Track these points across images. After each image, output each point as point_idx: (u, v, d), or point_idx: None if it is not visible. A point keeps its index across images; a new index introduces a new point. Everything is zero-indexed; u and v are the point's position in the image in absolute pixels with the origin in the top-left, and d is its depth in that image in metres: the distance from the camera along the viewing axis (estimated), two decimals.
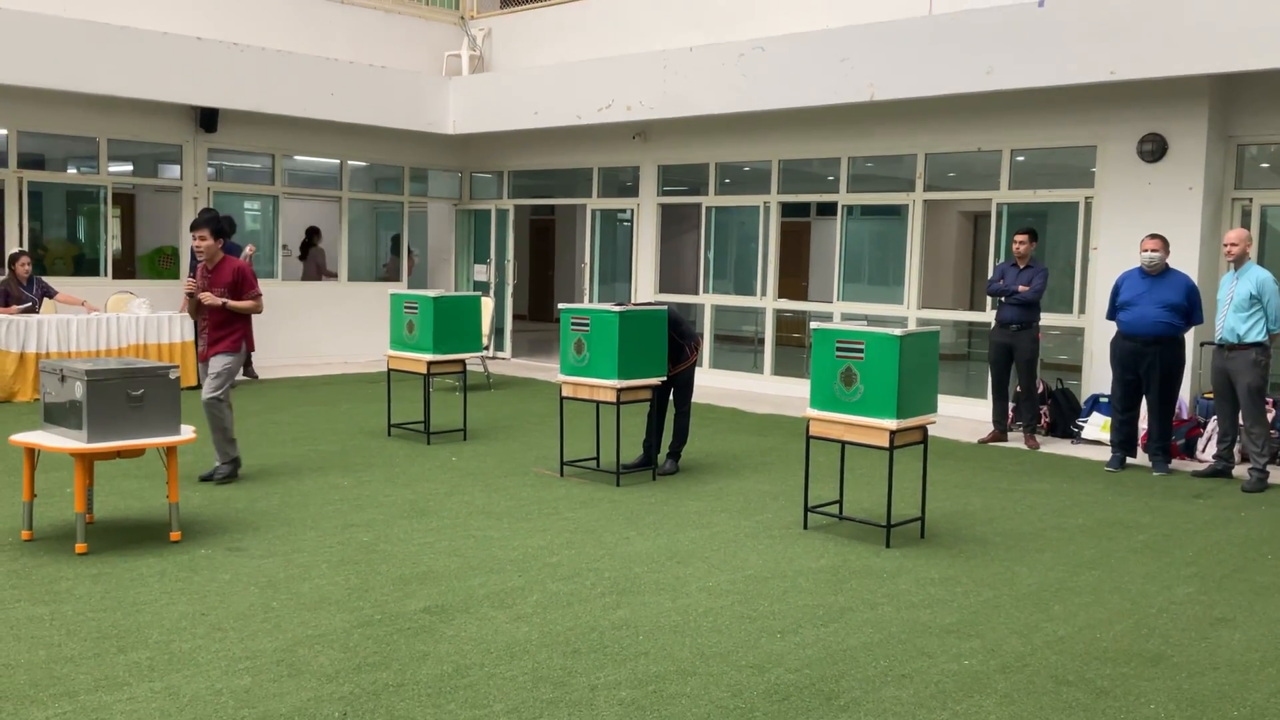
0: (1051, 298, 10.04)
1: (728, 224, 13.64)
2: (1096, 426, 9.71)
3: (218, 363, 7.35)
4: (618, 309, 7.50)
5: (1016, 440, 9.82)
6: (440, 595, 5.16)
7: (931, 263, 12.71)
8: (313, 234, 15.27)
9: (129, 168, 14.03)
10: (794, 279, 15.66)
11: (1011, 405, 9.93)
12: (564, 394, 7.96)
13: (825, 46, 10.97)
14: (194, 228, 7.44)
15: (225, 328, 7.40)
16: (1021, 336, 9.56)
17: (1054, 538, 6.55)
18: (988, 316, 10.96)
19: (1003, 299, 9.64)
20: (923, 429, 6.40)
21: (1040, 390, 9.99)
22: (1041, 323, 9.68)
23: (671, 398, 8.16)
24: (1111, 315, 8.81)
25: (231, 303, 7.37)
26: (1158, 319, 8.44)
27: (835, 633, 4.80)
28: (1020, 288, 9.46)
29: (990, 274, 10.33)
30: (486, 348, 12.83)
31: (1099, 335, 9.98)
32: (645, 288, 14.04)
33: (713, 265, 13.63)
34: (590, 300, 14.93)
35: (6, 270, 10.97)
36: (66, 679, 4.09)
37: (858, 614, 5.05)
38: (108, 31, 11.66)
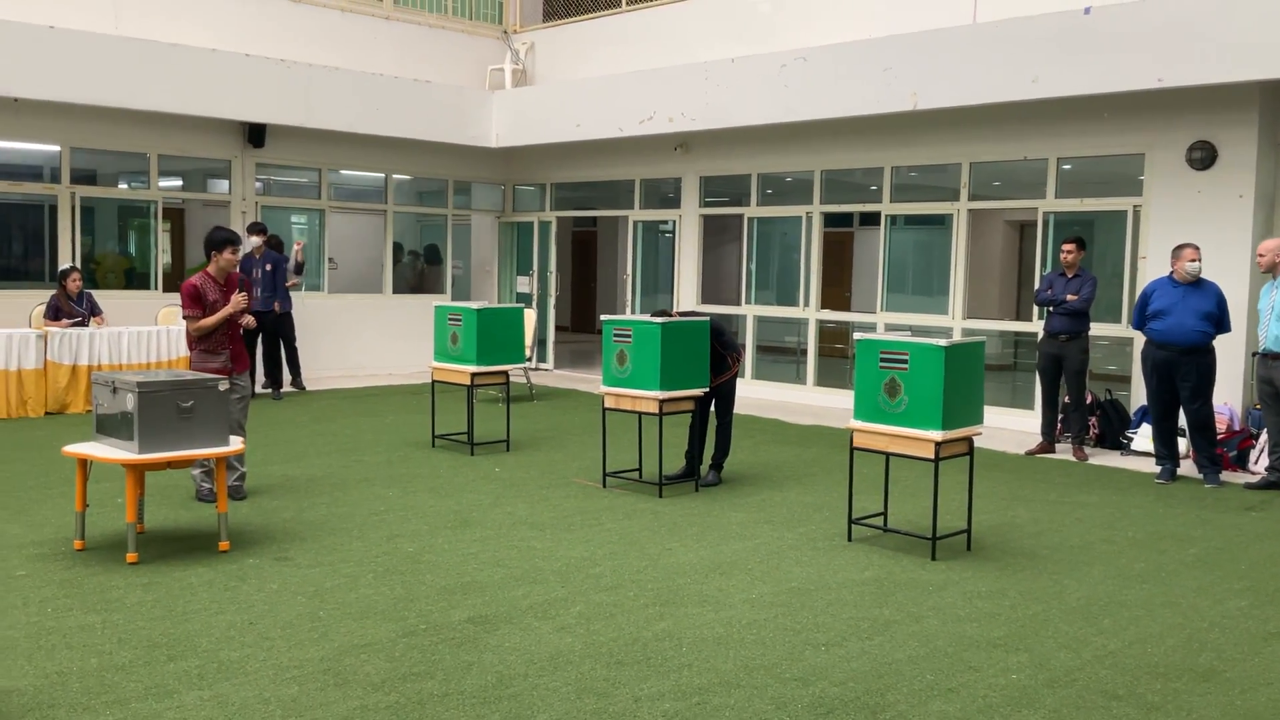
0: (1099, 307, 9.92)
1: (770, 234, 13.61)
2: (1146, 438, 9.56)
3: (248, 382, 7.36)
4: (660, 320, 7.50)
5: (1064, 452, 9.70)
6: (484, 606, 5.18)
7: (977, 272, 12.62)
8: (434, 253, 15.72)
9: (179, 183, 14.26)
10: (837, 289, 15.60)
11: (1059, 416, 9.81)
12: (606, 405, 7.97)
13: (868, 56, 10.92)
14: (236, 243, 7.24)
15: (241, 341, 7.35)
16: (1071, 346, 9.45)
17: (1103, 550, 6.46)
18: (1034, 326, 10.85)
19: (1051, 309, 9.54)
20: (969, 440, 6.34)
21: (1088, 401, 9.86)
22: (1091, 332, 9.57)
23: (713, 409, 8.14)
24: (1139, 324, 8.70)
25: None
26: (1194, 328, 8.32)
27: (880, 646, 4.76)
28: (1069, 297, 9.36)
29: (1037, 283, 10.22)
30: (529, 359, 12.89)
31: None
32: (687, 299, 14.03)
33: (755, 276, 13.60)
34: (632, 312, 14.95)
35: (58, 285, 11.17)
36: (118, 687, 4.15)
37: (903, 627, 5.01)
38: (158, 49, 11.86)
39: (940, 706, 4.13)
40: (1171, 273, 8.55)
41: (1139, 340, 10.09)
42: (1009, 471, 8.85)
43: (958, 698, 4.22)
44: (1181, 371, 8.40)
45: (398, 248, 15.49)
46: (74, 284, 11.04)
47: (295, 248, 12.53)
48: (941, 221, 11.87)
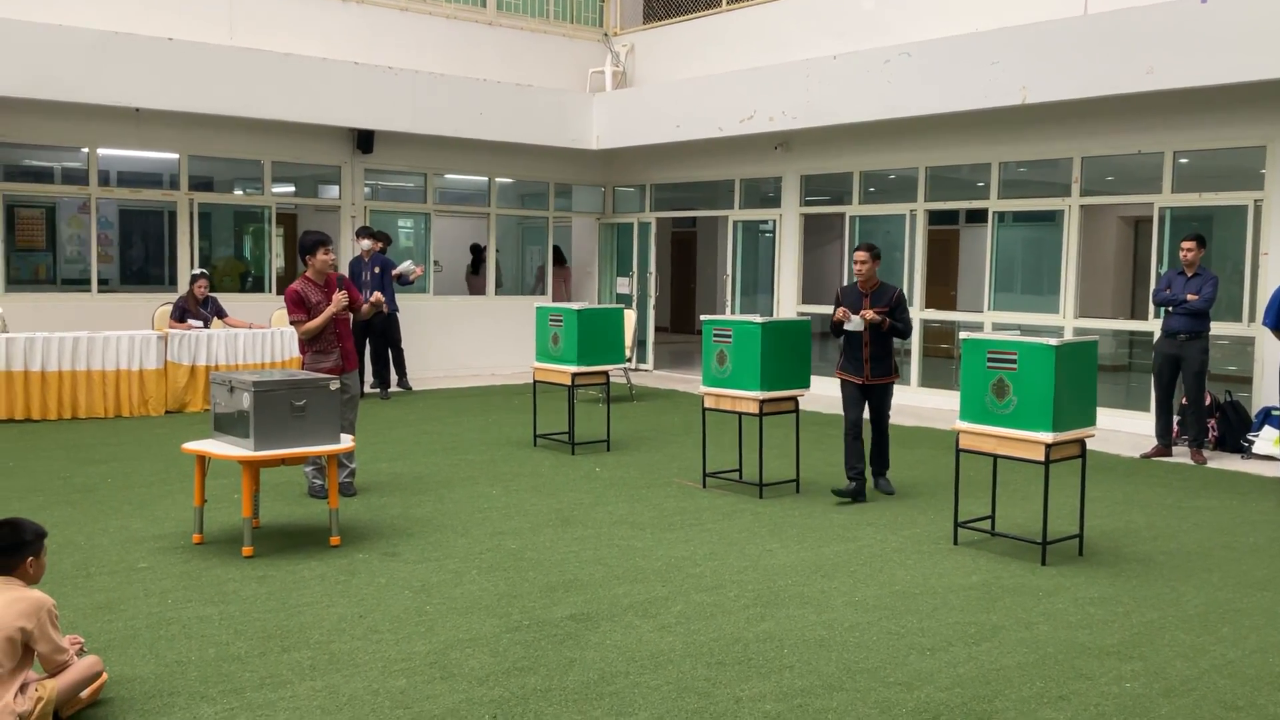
0: (1219, 306, 9.56)
1: (873, 233, 13.43)
2: (1269, 441, 9.19)
3: (357, 381, 7.50)
4: (762, 320, 7.44)
5: (1182, 455, 9.38)
6: (586, 603, 5.22)
7: (1089, 270, 12.26)
8: (558, 253, 16.12)
9: (291, 189, 14.68)
10: (942, 288, 15.32)
11: (1177, 418, 9.49)
12: (706, 405, 7.96)
13: (975, 50, 10.71)
14: (327, 243, 7.29)
15: (350, 340, 7.43)
16: (1190, 347, 9.13)
17: (1222, 557, 6.22)
18: (1150, 326, 10.51)
19: (1170, 308, 9.24)
20: (1081, 443, 6.18)
21: (1208, 403, 9.52)
22: (1211, 332, 9.24)
23: (867, 417, 7.70)
24: (1276, 323, 8.33)
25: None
26: None
27: (988, 652, 4.66)
28: (1189, 296, 9.05)
29: (1153, 281, 9.90)
30: (629, 360, 12.95)
31: (1271, 345, 9.45)
32: (788, 299, 13.94)
33: None
34: (732, 312, 14.90)
35: (188, 288, 11.62)
36: (234, 676, 4.29)
37: (1012, 633, 4.90)
38: (271, 59, 12.24)
39: (1050, 714, 4.03)
40: None
41: (1261, 340, 9.72)
42: (1123, 475, 8.58)
43: (1069, 706, 4.11)
44: None
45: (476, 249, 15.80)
46: (200, 290, 11.48)
47: (416, 271, 12.68)
48: (1052, 218, 11.57)
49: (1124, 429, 10.43)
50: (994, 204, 11.90)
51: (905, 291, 12.61)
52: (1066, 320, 11.22)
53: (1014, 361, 5.96)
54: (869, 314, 7.34)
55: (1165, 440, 9.43)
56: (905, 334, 7.52)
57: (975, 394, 6.16)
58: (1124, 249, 16.15)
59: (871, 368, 7.50)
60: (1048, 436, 5.86)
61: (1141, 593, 5.53)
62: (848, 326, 7.41)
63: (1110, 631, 4.94)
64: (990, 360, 6.07)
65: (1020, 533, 6.50)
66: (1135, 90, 9.71)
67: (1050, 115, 11.05)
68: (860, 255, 7.50)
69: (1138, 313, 13.54)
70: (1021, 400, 5.94)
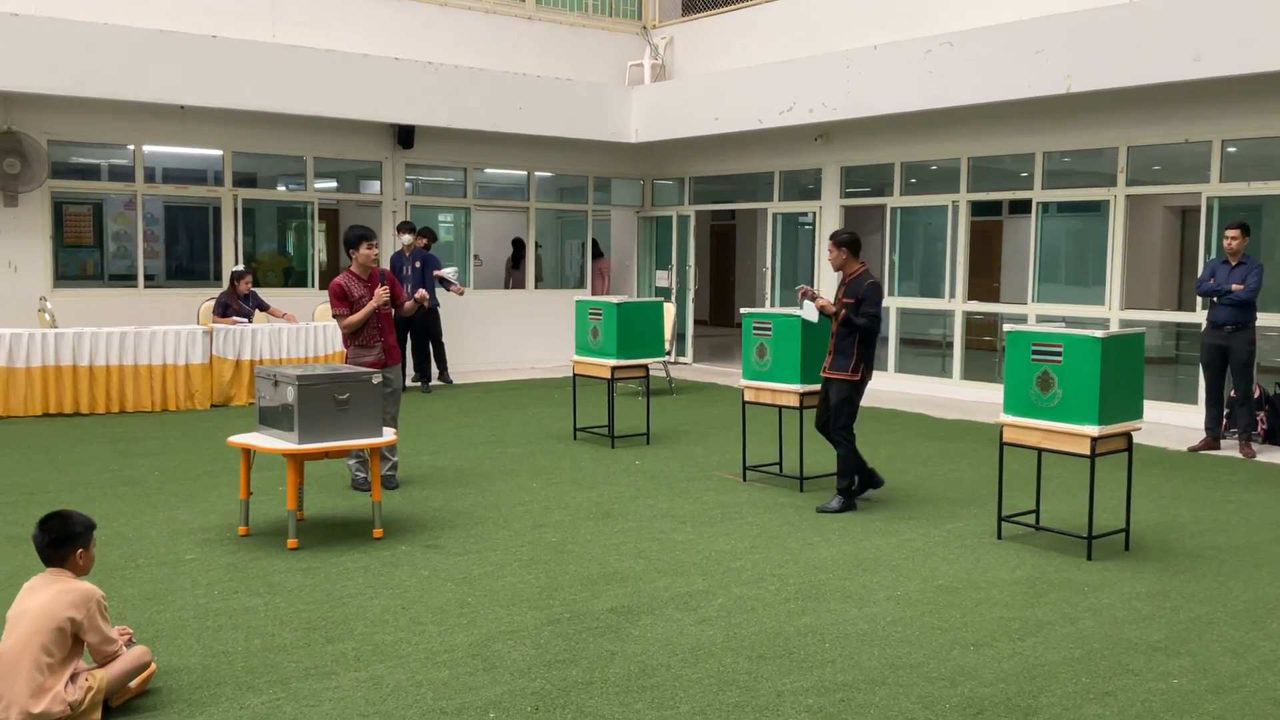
0: (1266, 296, 9.39)
1: (914, 225, 13.33)
2: None
3: (399, 375, 7.54)
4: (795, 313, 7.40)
5: (1230, 448, 9.23)
6: (626, 596, 5.23)
7: (1135, 261, 12.10)
8: (595, 247, 16.18)
9: (333, 184, 14.80)
10: (985, 280, 15.18)
11: (1225, 411, 9.34)
12: (746, 398, 7.94)
13: (1018, 38, 10.59)
14: (371, 238, 7.36)
15: (393, 334, 7.46)
16: (1237, 338, 8.99)
17: (1271, 551, 6.12)
18: (1197, 317, 10.36)
19: (1215, 299, 9.09)
20: (1127, 436, 6.09)
21: (1256, 395, 9.36)
22: (1258, 323, 9.08)
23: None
24: None
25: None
26: None
27: (1032, 647, 4.62)
28: (1234, 286, 8.90)
29: (1200, 272, 9.75)
30: (668, 353, 12.94)
31: None
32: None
33: (898, 267, 13.34)
34: (772, 305, 14.84)
35: (228, 284, 11.76)
36: (279, 667, 4.34)
37: (1057, 628, 4.85)
38: (313, 56, 12.34)
39: (1096, 710, 3.98)
40: None
41: None
42: (1170, 469, 8.47)
43: (1115, 702, 4.06)
44: None
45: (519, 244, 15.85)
46: (244, 286, 11.61)
47: (458, 288, 12.75)
48: (1097, 208, 11.42)
49: (1171, 422, 10.28)
50: (1038, 194, 11.77)
51: (947, 284, 12.52)
52: (1112, 312, 11.07)
53: (1059, 354, 5.90)
54: (821, 299, 7.08)
55: (1214, 433, 9.29)
56: (865, 329, 6.92)
57: (1020, 387, 6.10)
58: (1170, 239, 15.91)
59: (832, 360, 7.08)
60: (1093, 430, 5.79)
61: (1189, 588, 5.46)
62: (798, 312, 7.08)
63: (1157, 627, 4.88)
64: (1035, 353, 6.01)
65: (1065, 527, 6.43)
66: (1182, 78, 9.55)
67: (1095, 104, 10.90)
68: (829, 245, 7.23)
69: (1185, 304, 13.34)
70: (1067, 393, 5.88)
